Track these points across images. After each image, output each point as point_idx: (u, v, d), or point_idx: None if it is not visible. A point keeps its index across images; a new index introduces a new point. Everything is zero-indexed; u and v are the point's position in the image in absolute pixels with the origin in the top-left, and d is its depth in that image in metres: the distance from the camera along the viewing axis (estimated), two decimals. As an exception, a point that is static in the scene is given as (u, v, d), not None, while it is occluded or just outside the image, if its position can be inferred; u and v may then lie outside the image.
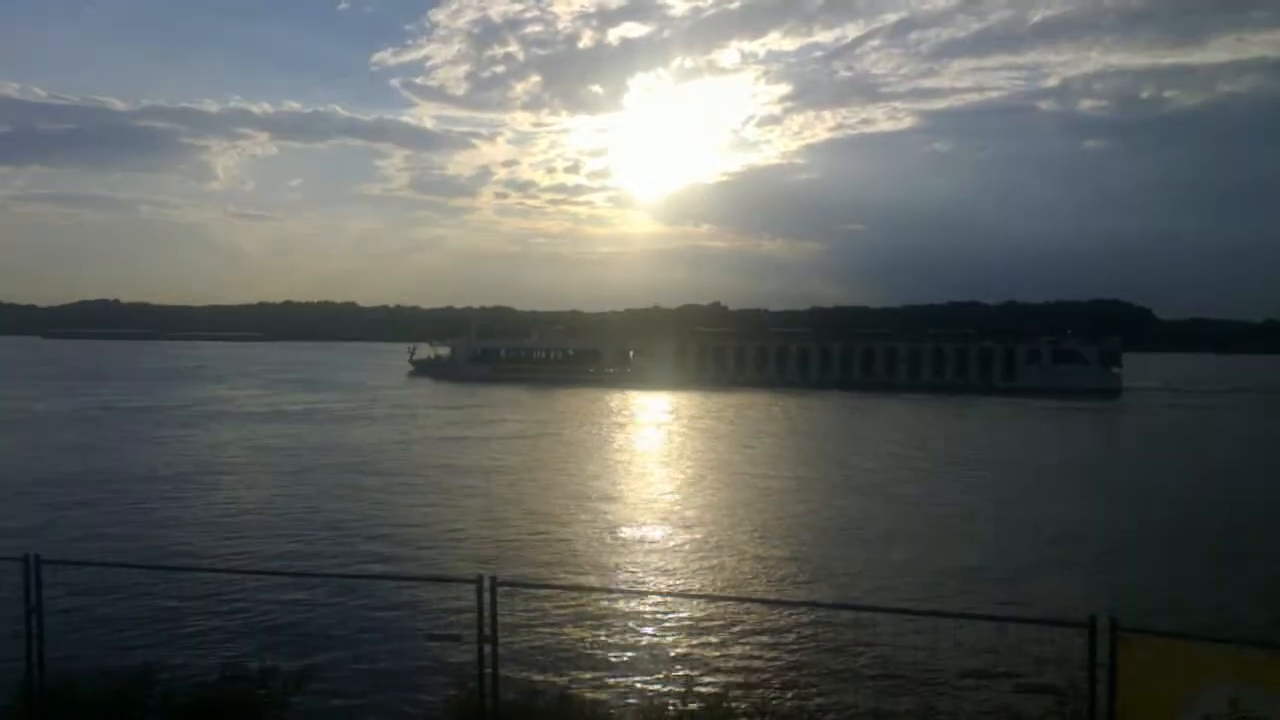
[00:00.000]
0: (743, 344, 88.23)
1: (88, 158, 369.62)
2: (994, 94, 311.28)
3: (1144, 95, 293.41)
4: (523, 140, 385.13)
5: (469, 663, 7.05)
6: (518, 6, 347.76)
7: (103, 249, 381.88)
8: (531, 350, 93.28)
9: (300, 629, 13.04)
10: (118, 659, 11.37)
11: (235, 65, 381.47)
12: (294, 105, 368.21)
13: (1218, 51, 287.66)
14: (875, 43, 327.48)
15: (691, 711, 6.11)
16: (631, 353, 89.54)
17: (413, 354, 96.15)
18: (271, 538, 19.80)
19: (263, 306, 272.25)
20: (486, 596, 7.17)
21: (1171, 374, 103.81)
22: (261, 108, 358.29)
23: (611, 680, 11.53)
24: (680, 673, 11.58)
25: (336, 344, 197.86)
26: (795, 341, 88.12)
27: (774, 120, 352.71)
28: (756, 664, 12.16)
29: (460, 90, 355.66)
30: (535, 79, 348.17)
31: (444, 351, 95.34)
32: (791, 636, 13.01)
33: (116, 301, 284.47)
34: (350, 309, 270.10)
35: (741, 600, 15.45)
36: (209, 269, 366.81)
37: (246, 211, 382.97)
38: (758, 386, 77.07)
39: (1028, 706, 5.82)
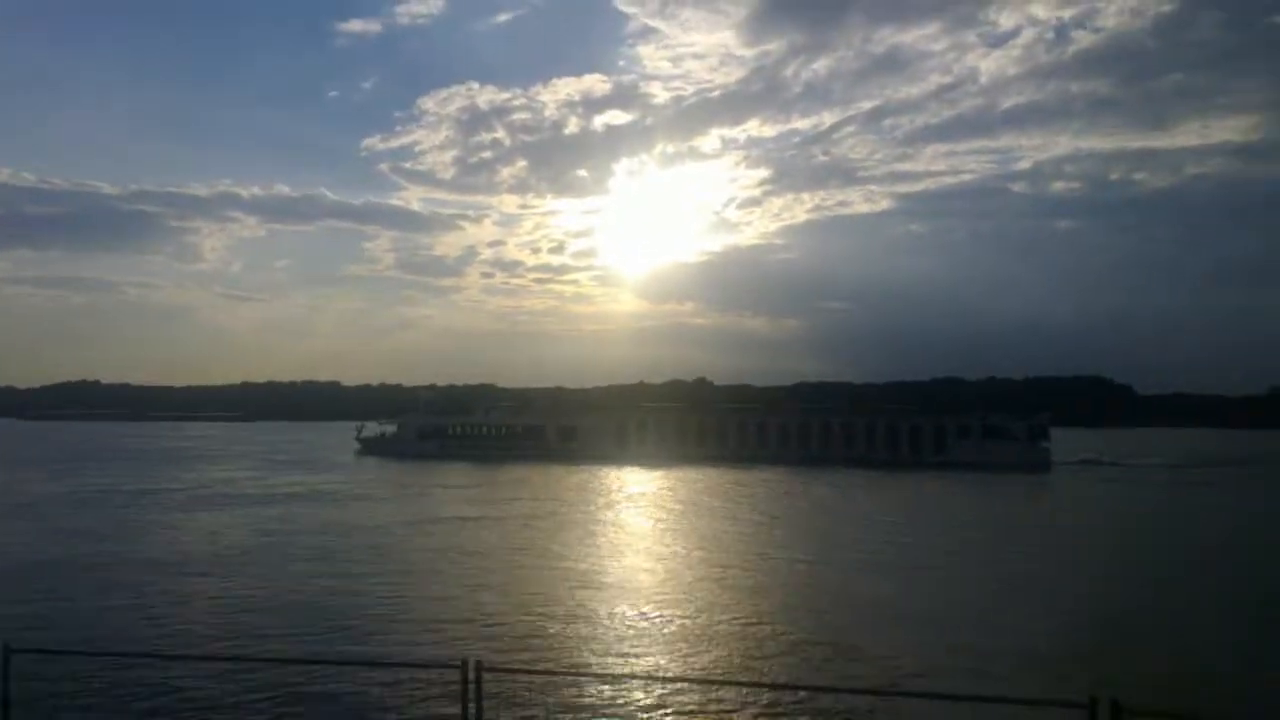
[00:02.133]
0: (684, 418, 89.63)
1: (75, 241, 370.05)
2: (967, 176, 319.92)
3: (1113, 177, 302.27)
4: (509, 222, 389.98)
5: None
6: (505, 95, 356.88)
7: (86, 331, 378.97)
8: (478, 426, 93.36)
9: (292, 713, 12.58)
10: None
11: (225, 150, 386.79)
12: (283, 189, 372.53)
13: (1184, 136, 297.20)
14: (851, 129, 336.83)
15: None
16: (575, 428, 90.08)
17: (360, 432, 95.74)
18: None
19: (245, 386, 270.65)
20: (471, 682, 6.96)
21: (1143, 448, 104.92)
22: (250, 191, 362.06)
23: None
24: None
25: (319, 423, 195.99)
26: (736, 416, 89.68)
27: (754, 202, 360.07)
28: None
29: (448, 174, 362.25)
30: (522, 164, 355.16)
31: (390, 429, 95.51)
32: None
33: (97, 382, 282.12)
34: (333, 388, 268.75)
35: (743, 685, 14.98)
36: (194, 349, 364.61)
37: (233, 292, 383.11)
38: (698, 461, 76.89)
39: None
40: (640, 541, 33.06)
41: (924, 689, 13.26)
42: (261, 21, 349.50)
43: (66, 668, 13.78)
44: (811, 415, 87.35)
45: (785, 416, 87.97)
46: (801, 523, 39.54)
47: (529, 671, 13.69)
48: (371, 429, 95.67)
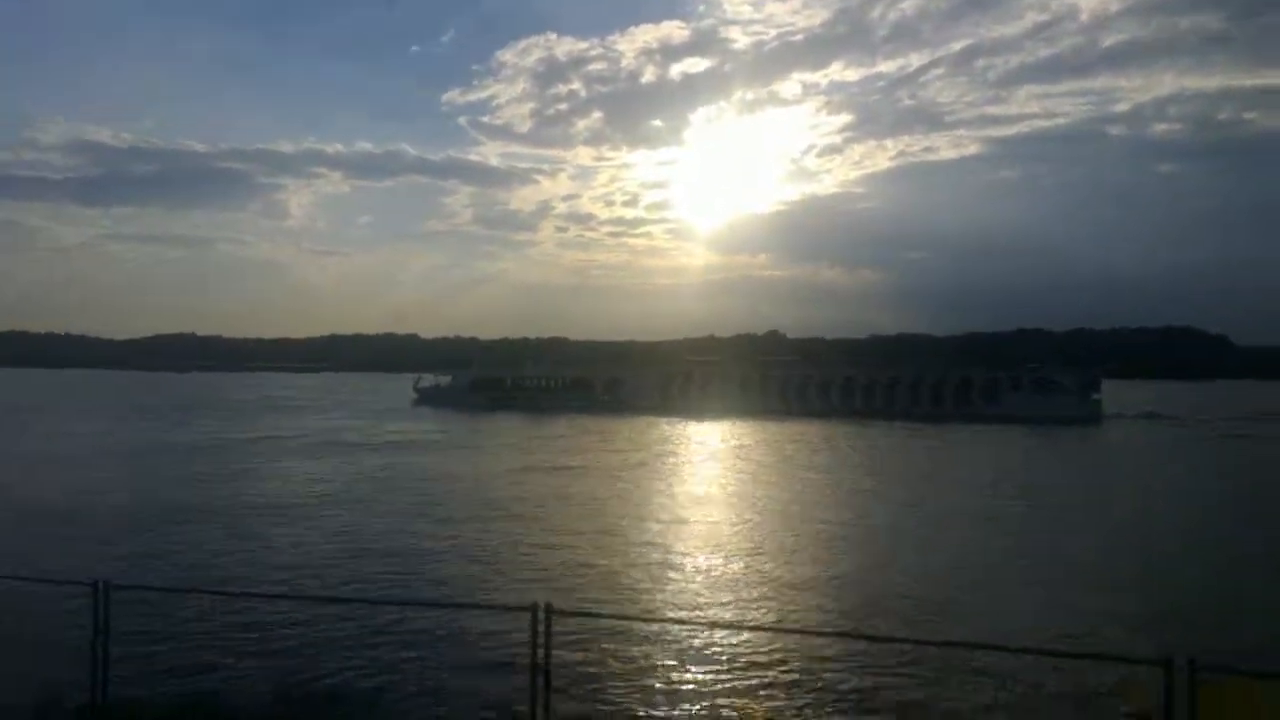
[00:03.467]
0: (729, 371, 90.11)
1: (170, 198, 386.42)
2: (1062, 120, 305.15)
3: (1221, 117, 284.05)
4: (584, 175, 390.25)
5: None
6: (582, 45, 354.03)
7: (181, 285, 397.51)
8: (528, 378, 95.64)
9: (355, 653, 13.19)
10: (184, 677, 11.69)
11: (309, 107, 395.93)
12: (365, 145, 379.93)
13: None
14: (940, 71, 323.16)
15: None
16: (621, 380, 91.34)
17: (417, 383, 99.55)
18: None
19: (333, 338, 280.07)
20: (541, 625, 7.15)
21: (1234, 400, 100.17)
22: (334, 148, 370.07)
23: (663, 713, 11.35)
24: (729, 702, 11.36)
25: (401, 375, 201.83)
26: (783, 370, 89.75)
27: (834, 150, 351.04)
28: (818, 692, 11.85)
29: (525, 127, 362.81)
30: (597, 115, 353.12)
31: (445, 381, 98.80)
32: (861, 666, 12.66)
33: (192, 334, 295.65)
34: (412, 340, 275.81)
35: (802, 632, 15.08)
36: (282, 302, 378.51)
37: (319, 247, 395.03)
38: (739, 414, 76.34)
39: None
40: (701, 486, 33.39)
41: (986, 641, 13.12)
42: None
43: (180, 604, 14.71)
44: (856, 370, 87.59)
45: (827, 370, 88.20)
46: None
47: (598, 615, 13.98)
48: (428, 381, 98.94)
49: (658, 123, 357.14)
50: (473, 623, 14.41)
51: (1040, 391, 78.68)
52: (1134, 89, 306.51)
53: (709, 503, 30.77)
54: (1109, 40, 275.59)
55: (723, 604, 17.25)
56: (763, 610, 16.80)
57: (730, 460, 44.82)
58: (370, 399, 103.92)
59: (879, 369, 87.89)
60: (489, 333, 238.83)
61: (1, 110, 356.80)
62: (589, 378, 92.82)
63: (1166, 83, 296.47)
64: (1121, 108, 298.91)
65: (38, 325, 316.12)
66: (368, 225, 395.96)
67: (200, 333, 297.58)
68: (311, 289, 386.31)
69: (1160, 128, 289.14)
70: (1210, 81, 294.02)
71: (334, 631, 14.20)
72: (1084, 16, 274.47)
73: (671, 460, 44.36)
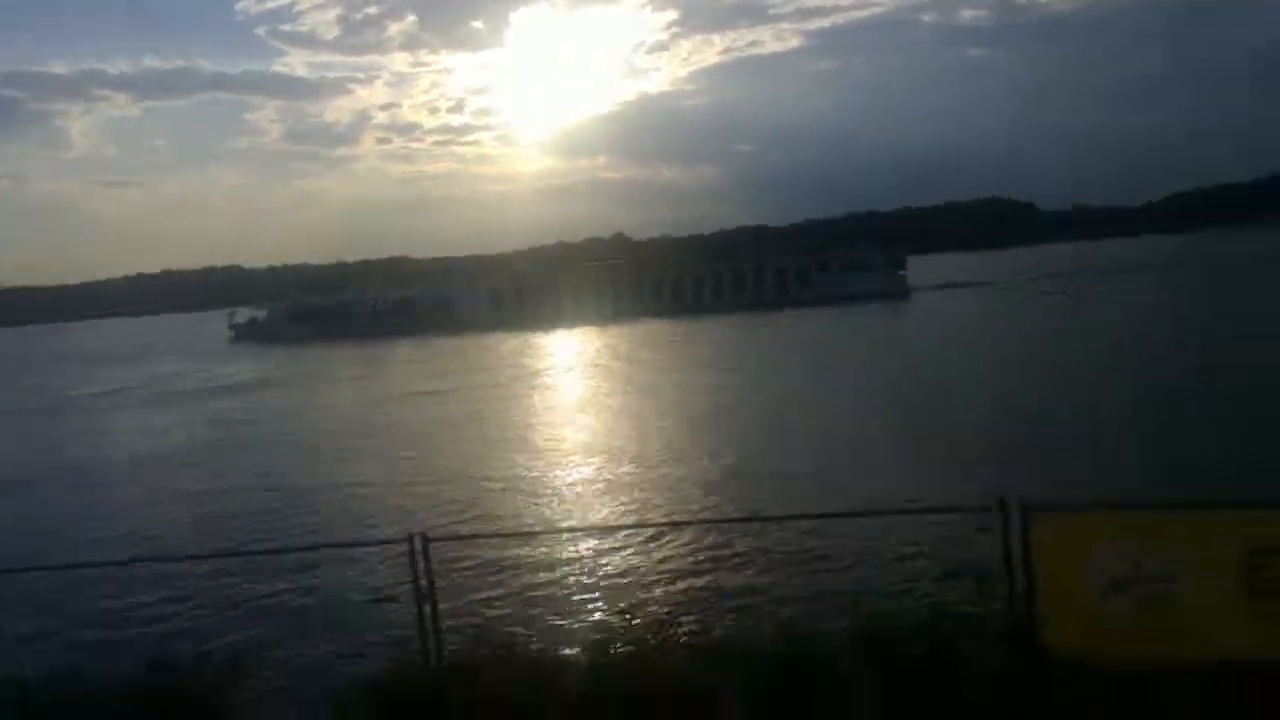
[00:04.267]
0: (559, 279, 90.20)
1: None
2: (877, 9, 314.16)
3: (1021, 2, 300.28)
4: (402, 82, 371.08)
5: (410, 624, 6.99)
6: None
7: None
8: (349, 305, 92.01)
9: (235, 606, 12.73)
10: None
11: (85, 22, 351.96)
12: (153, 62, 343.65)
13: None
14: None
15: (638, 640, 6.21)
16: (450, 299, 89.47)
17: (232, 318, 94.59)
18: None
19: (140, 277, 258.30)
20: (419, 555, 7.09)
21: (1045, 263, 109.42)
22: (118, 66, 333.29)
23: (558, 622, 11.65)
24: (623, 605, 11.80)
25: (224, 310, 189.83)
26: (609, 273, 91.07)
27: (662, 47, 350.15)
28: (702, 585, 12.46)
29: (331, 34, 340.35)
30: (411, 18, 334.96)
31: (261, 315, 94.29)
32: (730, 552, 13.36)
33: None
34: (236, 272, 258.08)
35: (684, 524, 15.63)
36: (81, 242, 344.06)
37: (111, 178, 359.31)
38: (573, 322, 76.80)
39: (951, 595, 6.10)
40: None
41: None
42: None
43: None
44: (683, 268, 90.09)
45: (651, 270, 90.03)
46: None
47: (475, 536, 14.02)
48: (244, 315, 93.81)
49: (477, 24, 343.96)
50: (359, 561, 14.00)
51: (850, 271, 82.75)
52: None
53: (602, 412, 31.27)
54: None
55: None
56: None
57: (586, 373, 45.15)
58: (191, 341, 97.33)
59: (712, 265, 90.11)
60: (322, 257, 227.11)
61: None
62: (413, 298, 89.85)
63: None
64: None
65: None
66: (164, 150, 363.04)
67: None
68: (109, 224, 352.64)
69: (968, 13, 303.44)
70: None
71: (221, 591, 13.52)
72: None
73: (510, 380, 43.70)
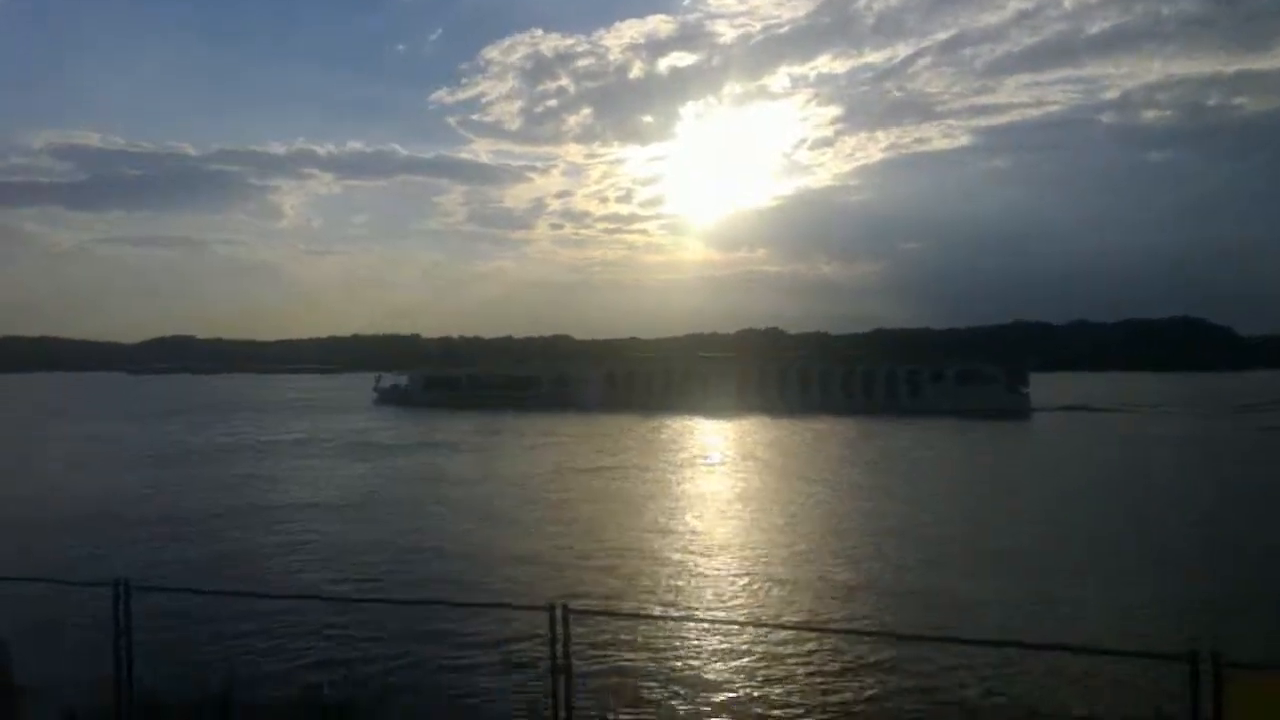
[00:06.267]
0: (669, 368, 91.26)
1: (162, 201, 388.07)
2: (1052, 108, 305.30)
3: (1210, 103, 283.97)
4: (576, 172, 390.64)
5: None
6: (569, 41, 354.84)
7: (178, 288, 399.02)
8: (478, 377, 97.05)
9: (369, 656, 13.15)
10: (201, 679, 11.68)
11: (299, 109, 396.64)
12: (356, 145, 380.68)
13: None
14: (926, 61, 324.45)
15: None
16: (569, 377, 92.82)
17: (377, 382, 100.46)
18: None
19: (331, 340, 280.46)
20: (559, 625, 7.14)
21: (1235, 390, 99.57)
22: (326, 148, 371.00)
23: (686, 710, 11.33)
24: (757, 709, 11.34)
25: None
26: (719, 365, 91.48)
27: (826, 143, 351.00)
28: (841, 696, 11.83)
29: (515, 125, 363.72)
30: (587, 111, 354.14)
31: (403, 381, 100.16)
32: (886, 670, 12.63)
33: (192, 338, 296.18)
34: (412, 340, 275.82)
35: (831, 631, 14.84)
36: (279, 304, 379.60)
37: (314, 248, 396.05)
38: (675, 410, 76.51)
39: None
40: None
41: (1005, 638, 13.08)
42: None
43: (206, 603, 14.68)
44: (790, 364, 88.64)
45: (763, 365, 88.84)
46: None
47: (613, 614, 13.97)
48: (388, 380, 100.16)
49: (648, 118, 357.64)
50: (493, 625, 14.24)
51: (965, 384, 78.58)
52: (1122, 75, 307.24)
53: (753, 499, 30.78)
54: (1094, 28, 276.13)
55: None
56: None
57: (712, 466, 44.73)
58: (344, 400, 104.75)
59: (822, 365, 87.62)
60: (492, 331, 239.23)
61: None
62: (537, 375, 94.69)
63: (1154, 69, 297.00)
64: (1111, 95, 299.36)
65: (31, 330, 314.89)
66: (362, 225, 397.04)
67: (199, 335, 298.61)
68: (309, 289, 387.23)
69: (1150, 114, 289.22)
70: (1199, 67, 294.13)
71: (362, 631, 14.11)
72: (1067, 3, 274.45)
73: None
